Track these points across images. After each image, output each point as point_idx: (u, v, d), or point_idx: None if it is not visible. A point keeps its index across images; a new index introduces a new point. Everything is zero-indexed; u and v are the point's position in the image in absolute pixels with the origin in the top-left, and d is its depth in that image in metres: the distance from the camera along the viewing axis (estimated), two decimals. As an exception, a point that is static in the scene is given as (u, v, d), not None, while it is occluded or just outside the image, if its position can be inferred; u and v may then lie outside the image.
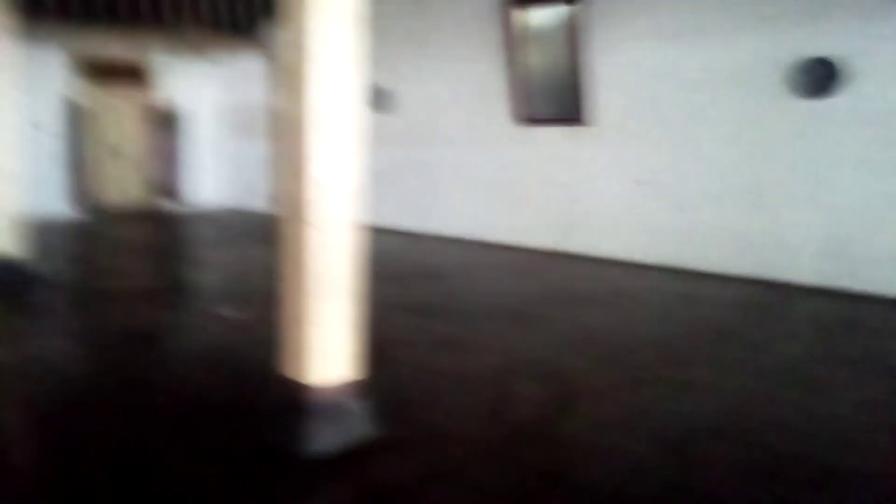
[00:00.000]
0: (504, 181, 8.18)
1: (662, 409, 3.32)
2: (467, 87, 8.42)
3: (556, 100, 7.45)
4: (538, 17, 7.38)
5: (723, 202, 6.37)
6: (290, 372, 2.90)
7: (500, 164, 8.21)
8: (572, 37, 7.10)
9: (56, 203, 10.80)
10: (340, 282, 2.85)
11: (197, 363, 4.02)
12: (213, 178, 12.76)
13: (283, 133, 2.82)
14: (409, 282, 6.36)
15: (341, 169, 2.79)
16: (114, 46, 11.11)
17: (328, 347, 2.84)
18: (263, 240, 8.90)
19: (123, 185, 11.93)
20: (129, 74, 11.73)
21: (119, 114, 11.73)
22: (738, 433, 3.07)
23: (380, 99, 9.58)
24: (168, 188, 12.16)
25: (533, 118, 7.73)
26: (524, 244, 7.93)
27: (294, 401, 2.85)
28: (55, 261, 7.07)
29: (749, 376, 3.81)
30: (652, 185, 6.86)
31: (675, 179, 6.70)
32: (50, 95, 10.68)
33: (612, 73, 7.04)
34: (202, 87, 12.51)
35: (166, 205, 12.14)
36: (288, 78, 2.74)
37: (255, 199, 12.07)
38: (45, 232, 9.06)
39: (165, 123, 12.02)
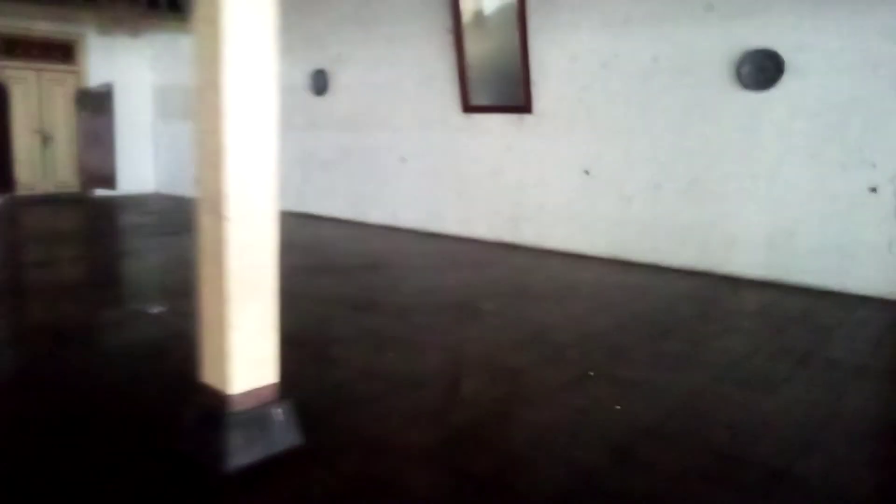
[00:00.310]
0: (451, 170, 7.99)
1: (606, 410, 3.19)
2: (413, 71, 8.19)
3: (503, 87, 7.28)
4: (486, 0, 7.17)
5: (669, 193, 6.32)
6: (208, 378, 2.66)
7: (446, 152, 8.02)
8: (519, 22, 6.92)
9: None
10: (261, 281, 2.61)
11: (114, 364, 3.71)
12: (146, 163, 12.22)
13: (198, 119, 2.55)
14: (350, 274, 6.13)
15: (262, 158, 2.55)
16: (40, 22, 10.46)
17: (248, 352, 2.60)
18: (192, 228, 8.53)
19: (52, 171, 11.30)
20: (58, 52, 11.08)
21: (47, 94, 11.08)
22: (682, 434, 2.96)
23: (317, 81, 9.26)
24: (100, 173, 11.56)
25: (480, 106, 7.55)
26: (473, 235, 7.77)
27: (212, 410, 2.60)
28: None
29: (694, 373, 3.72)
30: (598, 176, 6.77)
31: (622, 170, 6.62)
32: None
33: (558, 61, 6.91)
34: (136, 67, 11.93)
35: (98, 191, 11.56)
36: (202, 58, 2.48)
37: (188, 184, 11.60)
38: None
39: (97, 105, 11.40)
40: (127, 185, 11.88)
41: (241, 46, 2.42)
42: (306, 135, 9.57)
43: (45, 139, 11.15)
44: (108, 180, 11.61)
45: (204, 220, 2.57)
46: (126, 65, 11.80)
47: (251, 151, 2.50)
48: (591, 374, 3.64)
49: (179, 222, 9.09)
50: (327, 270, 6.26)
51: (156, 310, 4.70)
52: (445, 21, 7.56)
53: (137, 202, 11.10)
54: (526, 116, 7.19)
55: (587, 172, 6.83)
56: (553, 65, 6.92)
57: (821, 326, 4.72)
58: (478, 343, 4.20)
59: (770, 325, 4.78)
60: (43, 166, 11.20)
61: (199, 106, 2.53)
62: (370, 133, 8.80)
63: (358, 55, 8.81)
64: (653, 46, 6.26)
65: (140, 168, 12.16)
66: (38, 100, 11.00)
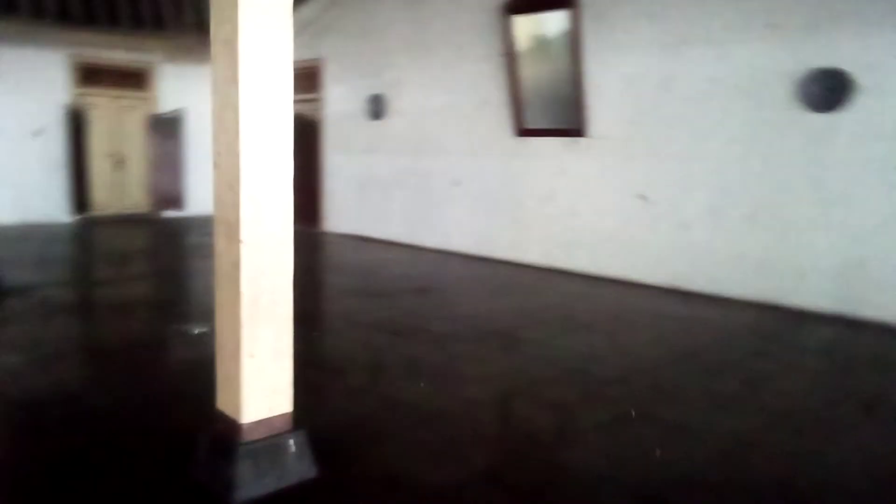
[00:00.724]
0: (504, 194, 7.87)
1: (644, 454, 2.97)
2: (466, 96, 8.14)
3: (556, 110, 7.13)
4: (538, 24, 7.07)
5: (728, 220, 6.00)
6: (221, 405, 2.61)
7: (499, 176, 7.90)
8: (572, 44, 6.78)
9: (55, 209, 10.65)
10: (275, 307, 2.54)
11: (146, 384, 3.72)
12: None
13: (215, 141, 2.53)
14: (397, 298, 6.05)
15: (277, 182, 2.49)
16: (116, 51, 10.98)
17: (260, 380, 2.53)
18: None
19: (124, 192, 11.77)
20: (132, 79, 11.59)
21: (121, 120, 11.59)
22: (726, 488, 2.71)
23: (375, 106, 9.33)
24: (169, 195, 11.98)
25: (532, 129, 7.42)
26: (525, 261, 7.59)
27: (224, 438, 2.54)
28: (37, 269, 6.86)
29: (746, 417, 3.44)
30: (654, 202, 6.50)
31: (679, 196, 6.34)
32: (50, 101, 10.54)
33: (612, 83, 6.71)
34: (205, 93, 12.32)
35: (167, 212, 11.96)
36: (219, 80, 2.45)
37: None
38: (39, 238, 8.90)
39: (168, 129, 11.85)
40: (195, 206, 12.24)
41: (257, 69, 2.39)
42: (364, 159, 9.65)
43: (119, 162, 11.64)
44: (177, 202, 12.01)
45: (219, 244, 2.54)
46: (195, 91, 12.20)
47: (267, 175, 2.45)
48: (633, 413, 3.41)
49: None
50: (375, 294, 6.21)
51: (198, 330, 4.73)
52: (499, 45, 7.49)
53: (203, 223, 11.40)
54: (580, 140, 7.01)
55: (643, 197, 6.57)
56: (608, 87, 6.73)
57: (893, 368, 4.33)
58: (516, 374, 4.03)
59: (836, 364, 4.42)
60: (116, 188, 11.68)
61: (216, 128, 2.50)
62: (424, 157, 8.79)
63: (414, 80, 8.84)
64: (711, 67, 6.00)
65: (208, 190, 12.51)
66: (113, 125, 11.51)
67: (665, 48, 6.31)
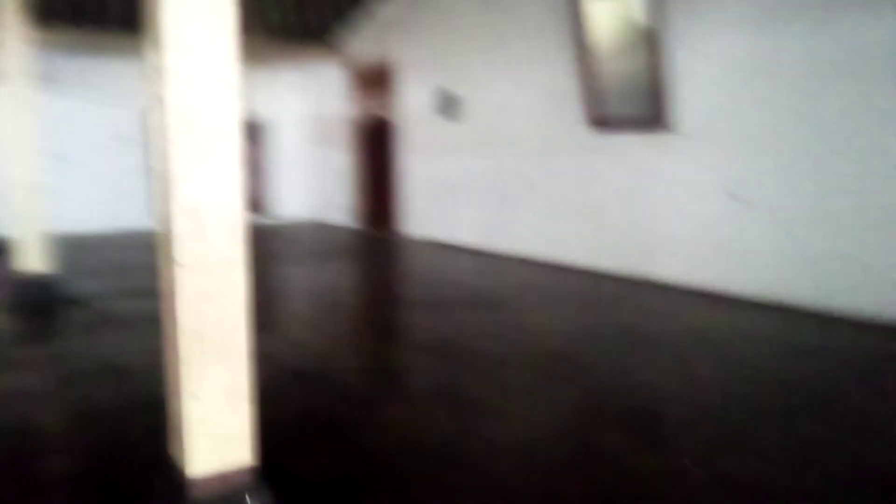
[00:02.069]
0: (579, 195, 7.21)
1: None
2: (538, 90, 7.54)
3: (635, 102, 6.40)
4: (611, 9, 6.38)
5: (838, 221, 5.09)
6: (173, 452, 2.23)
7: (573, 175, 7.25)
8: (654, 28, 6.05)
9: (142, 216, 10.96)
10: (227, 342, 2.13)
11: (147, 410, 3.44)
12: (295, 190, 12.60)
13: (156, 149, 2.15)
14: (452, 312, 5.57)
15: (224, 192, 2.08)
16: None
17: (210, 427, 2.13)
18: (332, 257, 8.44)
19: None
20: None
21: (208, 127, 11.82)
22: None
23: (448, 105, 8.89)
24: (254, 200, 12.11)
25: (608, 123, 6.72)
26: (601, 268, 6.91)
27: (171, 491, 2.16)
28: (111, 277, 6.92)
29: (837, 474, 2.71)
30: (749, 202, 5.66)
31: (777, 194, 5.47)
32: (136, 109, 10.86)
33: (698, 69, 5.92)
34: (284, 97, 12.38)
35: (249, 217, 12.10)
36: (156, 79, 2.07)
37: (335, 211, 11.76)
38: (123, 246, 9.10)
39: (253, 135, 11.98)
40: (280, 211, 12.32)
41: (190, 63, 1.99)
42: (437, 160, 9.25)
43: (206, 169, 11.88)
44: (261, 207, 12.12)
45: (162, 265, 2.16)
46: (280, 96, 12.30)
47: (209, 184, 2.05)
48: (690, 464, 2.76)
49: (318, 250, 9.12)
50: (429, 306, 5.77)
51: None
52: (574, 36, 6.84)
53: (287, 229, 11.42)
54: (662, 134, 6.26)
55: (734, 197, 5.74)
56: (695, 74, 5.95)
57: None
58: (569, 411, 3.44)
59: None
60: (203, 195, 11.92)
61: (155, 135, 2.13)
62: (496, 157, 8.26)
63: (486, 77, 8.33)
64: (813, 48, 5.11)
65: (293, 195, 12.57)
66: (200, 132, 11.75)
67: (755, 25, 5.47)
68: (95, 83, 10.61)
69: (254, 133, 11.97)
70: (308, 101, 12.47)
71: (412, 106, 9.66)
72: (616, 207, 6.81)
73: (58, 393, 3.74)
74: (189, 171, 2.01)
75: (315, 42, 10.91)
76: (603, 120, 6.76)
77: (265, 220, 12.09)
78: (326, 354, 4.48)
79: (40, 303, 5.55)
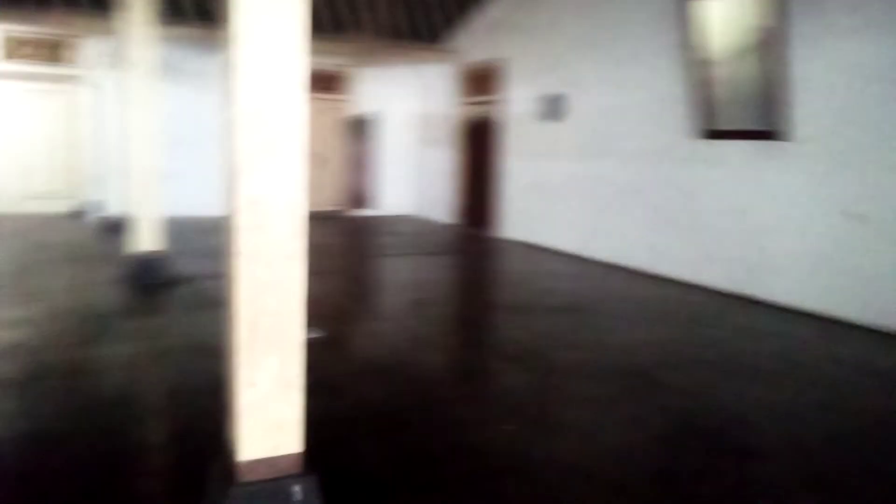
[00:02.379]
0: (682, 204, 6.88)
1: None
2: (644, 94, 7.26)
3: (747, 109, 6.02)
4: (726, 10, 6.02)
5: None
6: (228, 437, 2.31)
7: (677, 183, 6.93)
8: (773, 30, 5.66)
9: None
10: (281, 331, 2.18)
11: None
12: (399, 186, 12.83)
13: (223, 142, 2.23)
14: (537, 317, 5.48)
15: (285, 183, 2.13)
16: (316, 56, 11.58)
17: (262, 414, 2.19)
18: (427, 253, 8.54)
19: (318, 190, 12.44)
20: (332, 83, 12.20)
21: (320, 121, 12.25)
22: None
23: (552, 107, 8.74)
24: (358, 194, 12.45)
25: (716, 131, 6.37)
26: (703, 283, 6.57)
27: (224, 474, 2.24)
28: (215, 259, 7.30)
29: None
30: (874, 220, 5.19)
31: (902, 215, 4.99)
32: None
33: (818, 76, 5.49)
34: (391, 95, 12.61)
35: (354, 210, 12.43)
36: (227, 73, 2.14)
37: (435, 208, 11.87)
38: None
39: (357, 131, 12.32)
40: (384, 206, 12.60)
41: (259, 59, 2.04)
42: (537, 162, 9.13)
43: (317, 162, 12.33)
44: (366, 201, 12.44)
45: (227, 256, 2.23)
46: (389, 94, 12.56)
47: (272, 176, 2.10)
48: (765, 504, 2.56)
49: (414, 245, 9.25)
50: (515, 309, 5.70)
51: (313, 335, 4.59)
52: (684, 39, 6.54)
53: (391, 223, 11.66)
54: (777, 143, 5.86)
55: (849, 214, 5.29)
56: (817, 79, 5.52)
57: None
58: (639, 430, 3.29)
59: None
60: (313, 186, 12.36)
61: (224, 129, 2.20)
62: (597, 161, 8.04)
63: (590, 78, 8.13)
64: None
65: (397, 191, 12.82)
66: (313, 126, 12.18)
67: (882, 30, 5.00)
68: (216, 75, 11.25)
69: (362, 129, 12.29)
70: (415, 99, 12.66)
71: (516, 107, 9.58)
72: (720, 219, 6.45)
73: (153, 365, 3.99)
74: (253, 164, 2.07)
75: (424, 42, 11.06)
76: (712, 127, 6.41)
77: (368, 214, 12.40)
78: (405, 349, 4.52)
79: (150, 280, 5.95)
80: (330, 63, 11.83)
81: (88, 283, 6.01)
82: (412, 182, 12.83)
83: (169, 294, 5.73)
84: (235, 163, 2.07)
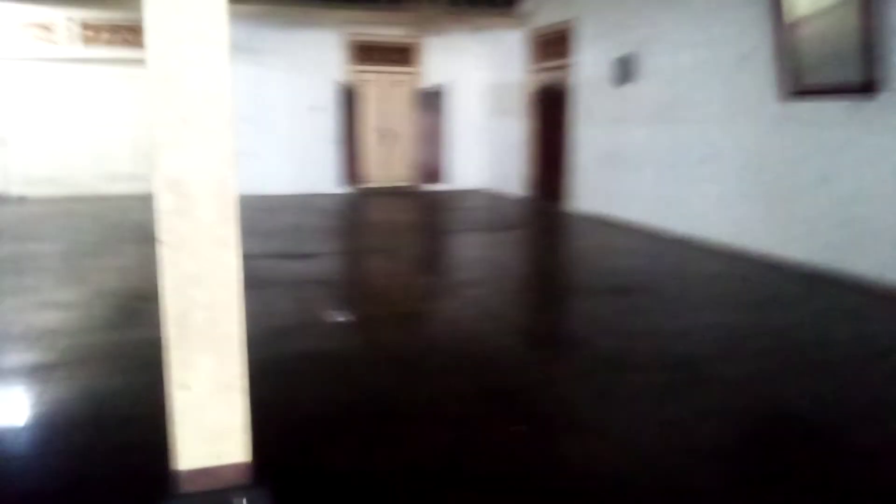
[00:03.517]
0: (765, 172, 6.17)
1: None
2: (723, 51, 6.54)
3: (840, 65, 5.23)
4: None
5: None
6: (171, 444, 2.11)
7: (760, 149, 6.22)
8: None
9: (328, 181, 11.51)
10: (216, 327, 1.94)
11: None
12: (470, 159, 12.46)
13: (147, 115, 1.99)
14: (589, 299, 5.05)
15: (211, 163, 1.86)
16: (383, 27, 11.34)
17: (199, 419, 1.97)
18: (494, 229, 8.20)
19: (391, 165, 12.29)
20: (400, 55, 11.94)
21: (389, 95, 12.04)
22: None
23: (625, 71, 8.10)
24: (431, 169, 12.19)
25: (806, 89, 5.61)
26: (787, 259, 5.88)
27: (164, 484, 2.05)
28: (284, 238, 7.28)
29: None
30: None
31: None
32: (327, 78, 11.34)
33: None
34: (468, 66, 12.20)
35: (429, 185, 12.19)
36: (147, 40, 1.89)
37: (507, 182, 11.45)
38: (304, 208, 9.62)
39: (431, 104, 12.02)
40: (456, 180, 12.30)
41: (175, 10, 1.77)
42: (609, 129, 8.53)
43: (386, 137, 12.16)
44: (438, 176, 12.17)
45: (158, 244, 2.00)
46: (459, 64, 12.17)
47: (192, 152, 1.84)
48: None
49: (483, 221, 8.93)
50: (571, 291, 5.32)
51: (340, 318, 4.39)
52: (768, -22, 5.79)
53: (462, 197, 11.37)
54: (871, 102, 5.08)
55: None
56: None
57: None
58: (670, 436, 2.86)
59: None
60: (383, 161, 12.23)
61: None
62: (672, 127, 7.38)
63: (665, 36, 7.43)
64: None
65: (469, 164, 12.47)
66: (382, 100, 12.02)
67: None
68: (293, 53, 11.23)
69: (432, 101, 11.99)
70: (485, 69, 12.20)
71: (586, 71, 8.97)
72: (807, 187, 5.72)
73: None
74: (172, 140, 1.82)
75: (495, 7, 10.57)
76: (801, 85, 5.66)
77: (439, 189, 12.13)
78: (439, 333, 4.24)
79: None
80: (397, 35, 11.56)
81: (144, 264, 6.05)
82: (484, 155, 12.44)
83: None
84: (154, 139, 1.82)
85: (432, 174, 12.22)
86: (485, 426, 2.88)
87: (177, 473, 1.98)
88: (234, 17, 7.80)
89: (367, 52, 11.67)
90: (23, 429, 2.82)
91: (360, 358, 3.72)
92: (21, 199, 10.09)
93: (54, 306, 4.58)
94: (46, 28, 10.10)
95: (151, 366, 3.48)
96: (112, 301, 4.80)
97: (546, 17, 9.87)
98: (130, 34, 10.26)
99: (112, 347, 3.85)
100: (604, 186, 8.68)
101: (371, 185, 12.06)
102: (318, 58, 11.28)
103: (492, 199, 11.14)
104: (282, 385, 3.28)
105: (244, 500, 2.00)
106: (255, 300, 5.01)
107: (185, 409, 1.95)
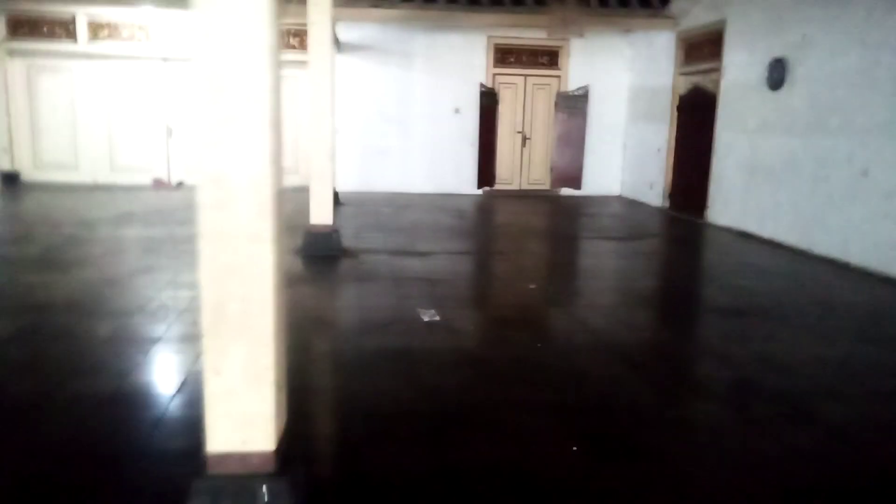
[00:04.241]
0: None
1: None
2: (884, 56, 5.82)
3: None
4: None
5: None
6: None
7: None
8: None
9: (463, 182, 11.65)
10: (249, 317, 2.01)
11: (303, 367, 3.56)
12: (608, 165, 12.06)
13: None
14: (695, 321, 4.71)
15: (250, 160, 1.93)
16: (528, 30, 11.27)
17: (229, 405, 2.05)
18: (626, 239, 7.91)
19: (527, 168, 12.20)
20: (543, 58, 11.81)
21: (530, 98, 11.95)
22: None
23: (774, 73, 7.45)
24: (568, 173, 11.95)
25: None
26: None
27: (197, 465, 2.15)
28: (390, 234, 7.49)
29: None
30: None
31: None
32: (470, 81, 11.46)
33: None
34: (609, 68, 11.82)
35: (565, 190, 11.96)
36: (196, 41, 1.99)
37: (646, 190, 10.96)
38: (424, 207, 9.81)
39: (572, 107, 11.77)
40: (593, 186, 11.98)
41: (224, 16, 1.86)
42: (754, 138, 7.90)
43: (524, 140, 12.08)
44: (575, 181, 11.91)
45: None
46: (604, 67, 11.81)
47: (233, 149, 1.92)
48: None
49: (617, 229, 8.64)
50: (684, 310, 4.96)
51: (428, 317, 4.41)
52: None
53: (595, 203, 11.06)
54: None
55: None
56: None
57: None
58: (749, 482, 2.59)
59: None
60: (520, 164, 12.17)
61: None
62: (825, 137, 6.68)
63: (820, 41, 6.74)
64: None
65: (607, 170, 12.09)
66: (523, 103, 11.95)
67: None
68: (438, 56, 11.48)
69: (571, 104, 11.74)
70: (627, 72, 11.75)
71: (733, 75, 8.37)
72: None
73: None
74: (214, 137, 1.91)
75: (646, 8, 10.15)
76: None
77: (575, 194, 11.86)
78: (530, 342, 4.14)
79: (317, 252, 6.24)
80: (542, 38, 11.43)
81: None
82: (623, 161, 12.00)
83: (326, 266, 5.95)
84: (198, 136, 1.92)
85: (569, 179, 11.97)
86: (542, 442, 2.76)
87: (208, 455, 2.07)
88: (384, 21, 8.18)
89: (511, 55, 11.68)
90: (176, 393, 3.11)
91: (439, 359, 3.72)
92: (179, 185, 11.15)
93: (185, 286, 5.00)
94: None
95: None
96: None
97: (697, 18, 9.33)
98: (295, 38, 10.91)
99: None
100: (746, 198, 8.05)
101: (506, 187, 12.05)
102: (462, 60, 11.44)
103: (626, 207, 10.73)
104: (351, 378, 3.37)
105: (264, 488, 2.06)
106: (356, 293, 5.20)
107: (216, 394, 2.04)
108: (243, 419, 2.06)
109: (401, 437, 2.79)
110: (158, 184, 11.27)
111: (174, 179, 11.32)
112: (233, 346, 2.02)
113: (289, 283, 5.31)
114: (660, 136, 10.44)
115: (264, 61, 1.90)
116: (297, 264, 5.95)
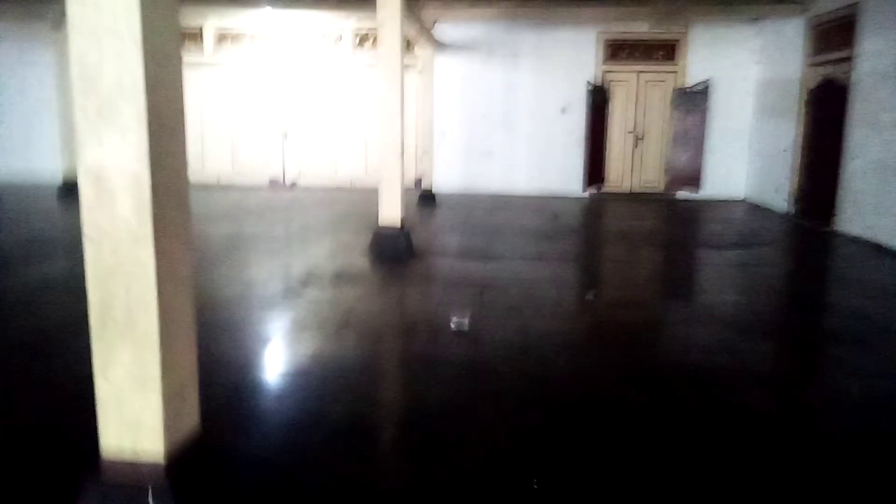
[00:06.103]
0: None
1: None
2: None
3: None
4: None
5: None
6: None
7: None
8: None
9: (570, 183, 11.18)
10: (135, 321, 1.93)
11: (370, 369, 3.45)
12: (730, 166, 11.06)
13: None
14: (788, 342, 4.10)
15: (128, 158, 1.84)
16: (641, 23, 10.61)
17: (119, 411, 1.98)
18: (744, 246, 7.21)
19: (639, 169, 11.50)
20: (659, 52, 11.07)
21: (644, 95, 11.26)
22: None
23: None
24: (685, 174, 11.11)
25: None
26: None
27: (90, 470, 2.09)
28: (467, 236, 7.28)
29: None
30: None
31: None
32: (579, 78, 10.98)
33: None
34: (739, 62, 10.81)
35: (682, 193, 11.14)
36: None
37: (772, 193, 9.94)
38: (518, 208, 9.49)
39: (691, 104, 10.93)
40: (713, 188, 11.08)
41: (93, 9, 1.78)
42: (891, 136, 6.86)
43: (637, 139, 11.39)
44: (693, 182, 11.06)
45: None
46: (727, 60, 10.85)
47: (109, 145, 1.84)
48: None
49: (730, 235, 7.92)
50: (773, 334, 4.36)
51: (457, 325, 4.17)
52: None
53: (713, 208, 10.20)
54: None
55: None
56: None
57: None
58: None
59: None
60: (632, 165, 11.49)
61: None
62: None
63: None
64: None
65: (730, 172, 11.10)
66: (636, 100, 11.27)
67: None
68: (546, 54, 11.12)
69: (690, 100, 10.89)
70: (753, 64, 10.70)
71: (871, 65, 7.33)
72: None
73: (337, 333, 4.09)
74: (90, 133, 1.84)
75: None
76: None
77: (692, 196, 11.01)
78: (563, 361, 3.79)
79: (386, 252, 6.19)
80: (655, 31, 10.71)
81: (335, 252, 6.47)
82: (747, 161, 10.96)
83: (385, 267, 5.86)
84: (76, 130, 1.86)
85: (687, 180, 11.12)
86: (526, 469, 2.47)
87: (100, 460, 2.02)
88: (488, 18, 8.03)
89: (624, 50, 11.07)
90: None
91: (435, 371, 3.49)
92: (292, 186, 11.62)
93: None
94: (337, 37, 11.47)
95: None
96: (283, 281, 5.22)
97: (827, 2, 8.30)
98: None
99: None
100: (883, 205, 7.02)
101: (616, 189, 11.43)
102: (570, 57, 11.00)
103: (746, 213, 9.78)
104: (350, 385, 3.22)
105: (150, 498, 1.97)
106: (396, 296, 5.06)
107: (105, 400, 1.98)
108: (134, 427, 1.99)
109: (365, 445, 2.60)
110: (274, 184, 11.83)
111: (288, 180, 11.84)
112: (118, 352, 1.95)
113: (333, 284, 5.28)
114: (787, 135, 9.41)
115: (136, 55, 1.80)
116: (358, 264, 5.91)
